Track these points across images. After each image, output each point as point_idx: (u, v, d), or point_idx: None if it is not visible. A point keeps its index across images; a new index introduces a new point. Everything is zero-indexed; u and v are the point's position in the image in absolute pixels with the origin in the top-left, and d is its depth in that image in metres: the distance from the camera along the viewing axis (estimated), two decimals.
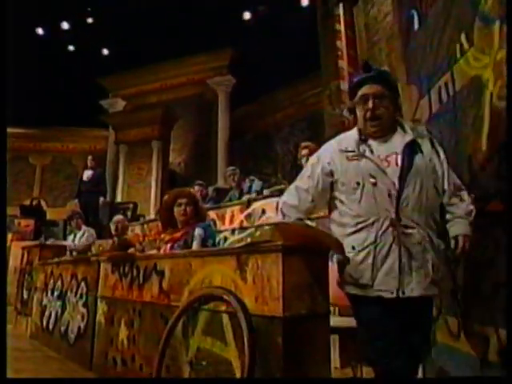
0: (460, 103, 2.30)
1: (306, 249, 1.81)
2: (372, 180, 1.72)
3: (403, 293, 1.67)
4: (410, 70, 3.13)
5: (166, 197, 6.50)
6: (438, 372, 2.49)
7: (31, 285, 5.15)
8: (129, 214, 9.28)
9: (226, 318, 1.91)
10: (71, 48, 12.74)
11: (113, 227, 5.27)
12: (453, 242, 1.76)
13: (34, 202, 10.70)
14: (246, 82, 11.12)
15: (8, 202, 11.89)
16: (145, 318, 2.62)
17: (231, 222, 4.95)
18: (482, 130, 2.06)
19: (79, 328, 3.49)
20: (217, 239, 4.09)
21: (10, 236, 8.13)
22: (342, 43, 6.24)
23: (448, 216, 1.80)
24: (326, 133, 6.61)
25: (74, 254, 5.65)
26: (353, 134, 1.88)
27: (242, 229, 4.70)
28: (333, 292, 1.89)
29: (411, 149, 1.76)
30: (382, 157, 1.77)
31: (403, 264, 1.67)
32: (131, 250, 3.74)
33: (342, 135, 1.95)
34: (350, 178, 1.77)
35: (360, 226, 1.73)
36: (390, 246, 1.68)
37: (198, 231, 2.84)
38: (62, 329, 3.79)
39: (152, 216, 9.21)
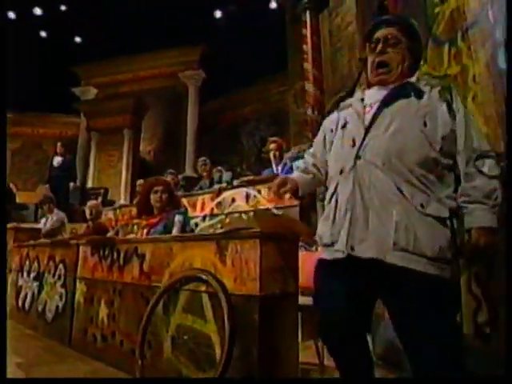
0: None
1: (279, 236, 1.91)
2: (342, 123, 1.47)
3: (352, 249, 1.30)
4: None
5: (140, 182, 6.43)
6: (386, 344, 2.69)
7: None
8: (99, 198, 9.08)
9: (205, 298, 1.98)
10: (43, 34, 12.14)
11: (87, 212, 5.16)
12: (466, 236, 1.30)
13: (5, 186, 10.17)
14: (215, 77, 11.07)
15: None
16: (125, 298, 2.64)
17: (202, 209, 4.99)
18: None
19: (57, 307, 3.43)
20: (191, 222, 4.14)
21: None
22: (307, 47, 6.34)
23: (462, 199, 1.31)
24: (290, 129, 6.75)
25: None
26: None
27: (213, 216, 4.76)
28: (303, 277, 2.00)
29: (402, 91, 1.40)
30: (369, 103, 1.44)
31: (357, 214, 1.31)
32: (110, 234, 3.72)
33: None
34: (330, 128, 1.56)
35: (330, 175, 1.50)
36: (350, 194, 1.35)
37: (177, 218, 2.89)
38: (40, 308, 3.71)
39: (123, 201, 9.07)
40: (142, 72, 11.76)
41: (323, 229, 1.43)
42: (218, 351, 1.82)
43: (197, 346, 1.95)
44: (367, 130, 1.36)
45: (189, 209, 5.04)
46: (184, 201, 5.08)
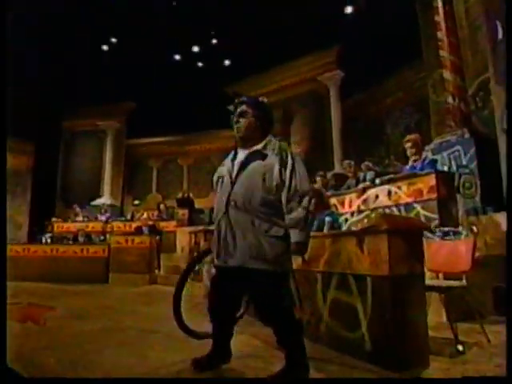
0: None
1: (404, 230, 2.53)
2: (220, 179, 2.33)
3: (225, 262, 2.23)
4: (497, 72, 3.47)
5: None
6: None
7: None
8: None
9: (351, 278, 2.72)
10: (200, 64, 14.49)
11: None
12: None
13: (185, 195, 12.55)
14: (354, 73, 11.43)
15: (167, 196, 14.18)
16: (297, 279, 3.56)
17: (350, 206, 5.66)
18: None
19: None
20: (340, 220, 4.90)
21: (174, 223, 10.03)
22: (442, 33, 6.35)
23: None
24: (431, 119, 6.81)
25: None
26: None
27: (360, 212, 5.40)
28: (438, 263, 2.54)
29: (252, 157, 2.23)
30: (238, 162, 2.28)
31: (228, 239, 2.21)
32: None
33: None
34: (216, 178, 2.40)
35: (214, 217, 2.37)
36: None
37: (327, 219, 3.71)
38: None
39: None
40: (285, 81, 12.93)
41: (213, 248, 2.34)
42: (361, 316, 2.55)
43: (344, 313, 2.71)
44: (233, 185, 2.22)
45: (338, 206, 5.80)
46: (333, 199, 5.86)
